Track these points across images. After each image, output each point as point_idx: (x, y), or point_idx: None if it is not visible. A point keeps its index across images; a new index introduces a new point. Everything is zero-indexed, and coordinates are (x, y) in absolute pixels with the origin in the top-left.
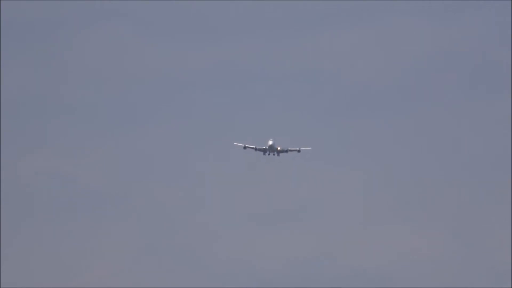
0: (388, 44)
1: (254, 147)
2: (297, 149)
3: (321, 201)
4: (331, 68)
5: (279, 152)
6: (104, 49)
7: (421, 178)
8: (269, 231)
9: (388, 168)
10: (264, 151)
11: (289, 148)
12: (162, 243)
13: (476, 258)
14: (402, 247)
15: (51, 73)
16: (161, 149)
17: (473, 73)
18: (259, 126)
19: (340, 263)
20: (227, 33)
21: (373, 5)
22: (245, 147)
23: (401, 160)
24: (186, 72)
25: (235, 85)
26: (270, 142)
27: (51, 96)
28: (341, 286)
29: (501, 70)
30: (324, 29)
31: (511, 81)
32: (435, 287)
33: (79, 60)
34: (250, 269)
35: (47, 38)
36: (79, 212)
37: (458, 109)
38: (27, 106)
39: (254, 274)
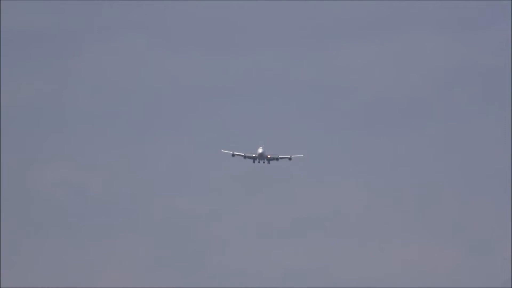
0: (402, 58)
1: (243, 154)
2: (288, 156)
3: (322, 208)
4: (345, 80)
5: (269, 159)
6: (114, 58)
7: (423, 189)
8: (268, 240)
9: (393, 176)
10: (254, 158)
11: (279, 156)
12: (161, 248)
13: (476, 259)
14: (404, 251)
15: (59, 82)
16: (165, 157)
17: (490, 87)
18: (262, 134)
19: (339, 270)
20: (244, 44)
21: (389, 20)
22: (233, 155)
23: (405, 169)
24: (195, 80)
25: (247, 94)
26: (260, 150)
27: (59, 105)
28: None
29: None
30: (340, 41)
31: None
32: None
33: (88, 69)
34: (248, 275)
35: (56, 46)
36: (80, 218)
37: (474, 124)
38: (32, 114)
39: (252, 280)
